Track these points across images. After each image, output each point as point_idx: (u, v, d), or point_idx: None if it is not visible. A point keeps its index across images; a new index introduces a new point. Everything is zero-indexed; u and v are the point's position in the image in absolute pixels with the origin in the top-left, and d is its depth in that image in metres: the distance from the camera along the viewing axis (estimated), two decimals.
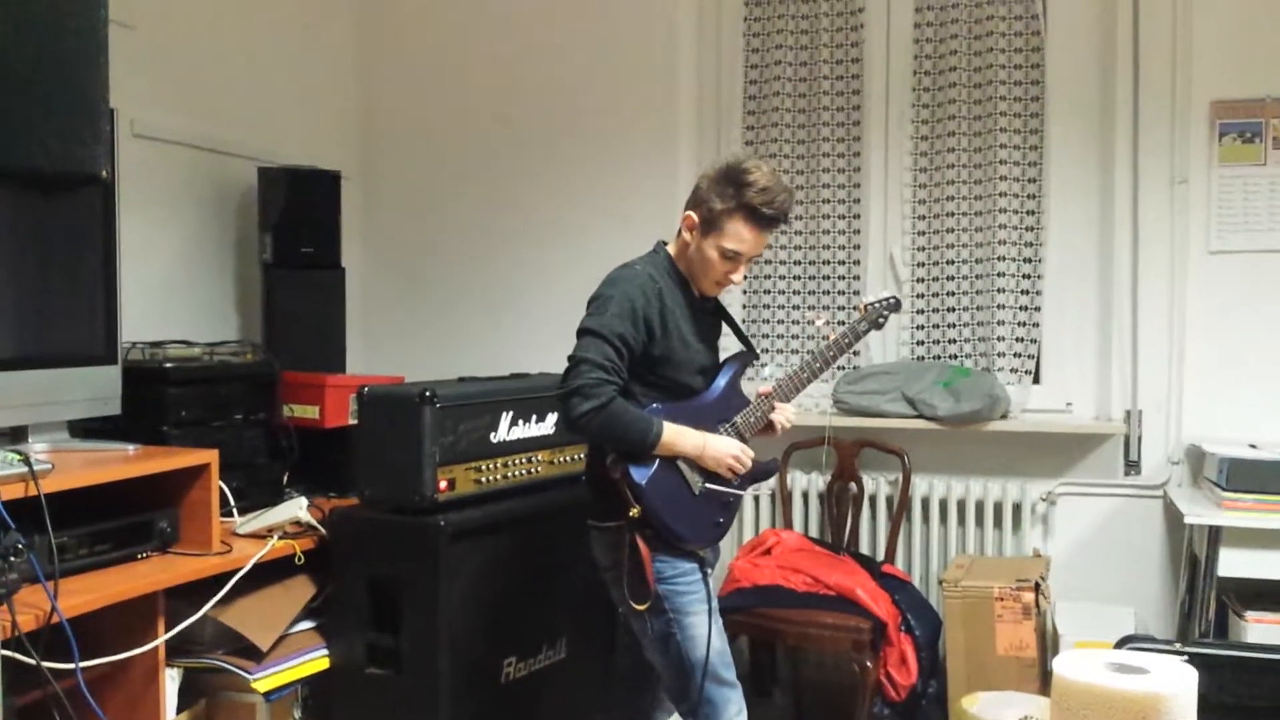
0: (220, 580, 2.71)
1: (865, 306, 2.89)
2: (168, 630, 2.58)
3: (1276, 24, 3.61)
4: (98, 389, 2.85)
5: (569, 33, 4.26)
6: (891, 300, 2.91)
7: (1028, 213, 3.88)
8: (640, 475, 2.52)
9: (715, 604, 2.62)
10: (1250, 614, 3.22)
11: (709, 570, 2.66)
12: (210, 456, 2.79)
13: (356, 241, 4.44)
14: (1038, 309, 3.86)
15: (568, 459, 3.31)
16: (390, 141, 4.53)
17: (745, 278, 2.79)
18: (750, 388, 2.78)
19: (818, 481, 3.98)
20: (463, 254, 4.42)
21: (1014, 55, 3.86)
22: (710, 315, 2.79)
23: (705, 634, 2.56)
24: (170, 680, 2.64)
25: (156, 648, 2.56)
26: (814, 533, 3.98)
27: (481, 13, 4.38)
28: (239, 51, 3.92)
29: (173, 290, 3.66)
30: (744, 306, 4.19)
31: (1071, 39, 3.85)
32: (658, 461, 2.54)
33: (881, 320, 2.90)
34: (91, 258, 2.89)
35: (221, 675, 2.78)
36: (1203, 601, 3.26)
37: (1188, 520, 3.25)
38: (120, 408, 2.89)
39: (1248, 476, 3.21)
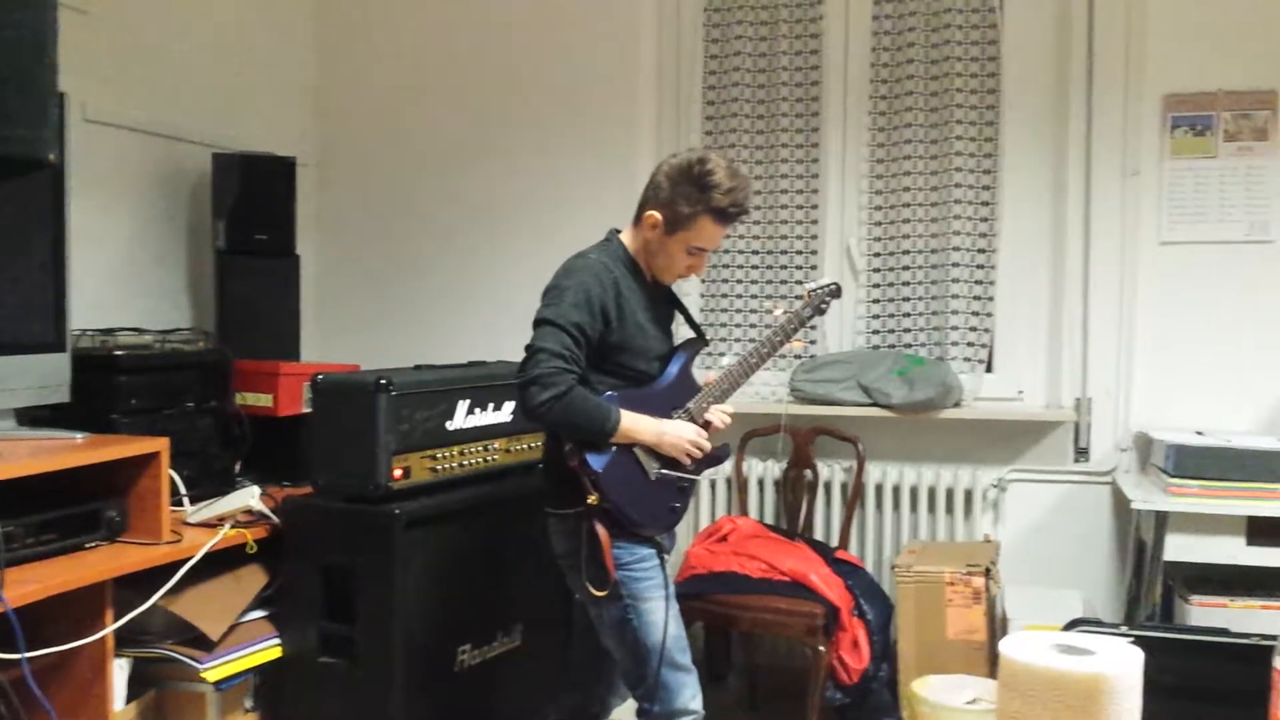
0: (170, 569, 2.68)
1: (809, 293, 2.91)
2: (116, 620, 2.55)
3: (1228, 18, 3.66)
4: (46, 376, 2.81)
5: (529, 24, 4.25)
6: (833, 286, 2.93)
7: (982, 204, 3.92)
8: (597, 463, 2.53)
9: (672, 589, 2.63)
10: (1195, 598, 3.28)
11: (666, 556, 2.68)
12: (160, 445, 2.76)
13: (312, 229, 4.40)
14: (990, 299, 3.91)
15: (524, 447, 3.31)
16: (347, 129, 4.50)
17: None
18: (703, 376, 2.79)
19: (773, 469, 4.01)
20: (419, 242, 4.40)
21: (970, 48, 3.89)
22: (664, 301, 2.80)
23: (662, 619, 2.58)
24: (119, 670, 2.61)
25: (105, 638, 2.53)
26: (769, 519, 4.00)
27: (440, 3, 4.36)
28: (194, 36, 3.88)
29: (124, 277, 3.61)
30: (702, 296, 4.21)
31: (1027, 33, 3.89)
32: (614, 448, 2.55)
33: (824, 306, 2.92)
34: (41, 243, 2.85)
35: (171, 665, 2.76)
36: (1149, 586, 3.32)
37: (1135, 506, 3.30)
38: (69, 395, 2.85)
39: (1194, 463, 3.26)
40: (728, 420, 2.76)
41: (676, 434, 2.61)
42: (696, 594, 3.49)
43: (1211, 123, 3.71)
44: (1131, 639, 2.22)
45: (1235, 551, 3.22)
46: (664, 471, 2.62)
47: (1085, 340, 3.80)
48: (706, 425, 2.72)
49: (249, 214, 3.75)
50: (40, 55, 2.49)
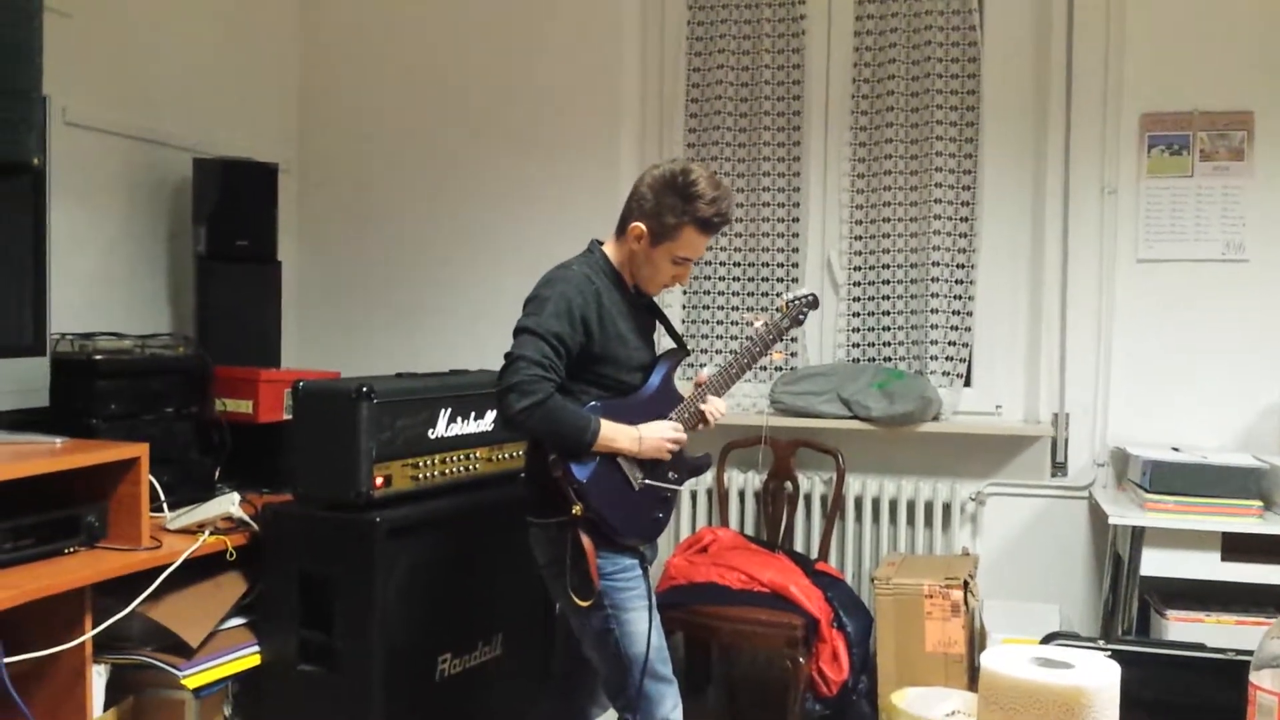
0: (150, 576, 2.67)
1: (786, 304, 2.92)
2: (95, 626, 2.54)
3: (1205, 39, 3.71)
4: (25, 380, 2.79)
5: (513, 32, 4.25)
6: (809, 297, 2.94)
7: (961, 219, 3.95)
8: (581, 473, 2.53)
9: (654, 599, 2.63)
10: (1171, 612, 3.30)
11: (648, 566, 2.68)
12: (140, 450, 2.75)
13: (293, 235, 4.39)
14: (970, 313, 3.94)
15: (506, 456, 3.31)
16: (329, 135, 4.49)
17: None
18: (685, 386, 2.80)
19: (754, 480, 4.02)
20: (401, 249, 4.40)
21: (951, 65, 3.93)
22: (645, 311, 2.81)
23: (644, 630, 2.58)
24: (98, 676, 2.59)
25: (83, 644, 2.51)
26: (749, 531, 4.01)
27: (426, 9, 4.36)
28: (176, 40, 3.87)
29: (104, 282, 3.59)
30: (684, 307, 4.22)
31: (1007, 51, 3.92)
32: (598, 458, 2.55)
33: (801, 316, 2.93)
34: (21, 247, 2.84)
35: (150, 672, 2.74)
36: (1125, 600, 3.34)
37: (1112, 521, 3.32)
38: (49, 400, 2.83)
39: (1170, 479, 3.29)
40: (724, 412, 2.77)
41: (654, 434, 2.62)
42: (676, 604, 3.49)
43: (1188, 142, 3.75)
44: (1109, 653, 2.24)
45: (1210, 567, 3.25)
46: (648, 482, 2.63)
47: (1063, 356, 3.83)
48: (701, 419, 2.73)
49: (230, 219, 3.73)
50: (27, 59, 2.48)
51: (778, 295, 4.10)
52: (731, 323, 4.18)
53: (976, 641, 3.50)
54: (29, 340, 2.83)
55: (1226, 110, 3.71)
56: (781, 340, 2.90)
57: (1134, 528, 3.29)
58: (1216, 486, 3.25)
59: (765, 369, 4.10)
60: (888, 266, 4.01)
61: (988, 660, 1.98)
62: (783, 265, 4.14)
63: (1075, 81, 3.80)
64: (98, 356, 3.05)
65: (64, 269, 3.10)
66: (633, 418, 2.62)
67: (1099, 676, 1.91)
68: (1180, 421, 3.71)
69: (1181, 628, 3.25)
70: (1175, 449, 3.51)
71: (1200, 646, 2.82)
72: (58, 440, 2.73)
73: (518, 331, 2.54)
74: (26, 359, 2.81)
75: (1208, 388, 3.71)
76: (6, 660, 2.25)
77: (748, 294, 4.17)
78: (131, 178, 3.70)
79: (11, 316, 2.83)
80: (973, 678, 3.32)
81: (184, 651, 2.75)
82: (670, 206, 2.59)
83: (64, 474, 2.58)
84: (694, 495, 4.08)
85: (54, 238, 2.89)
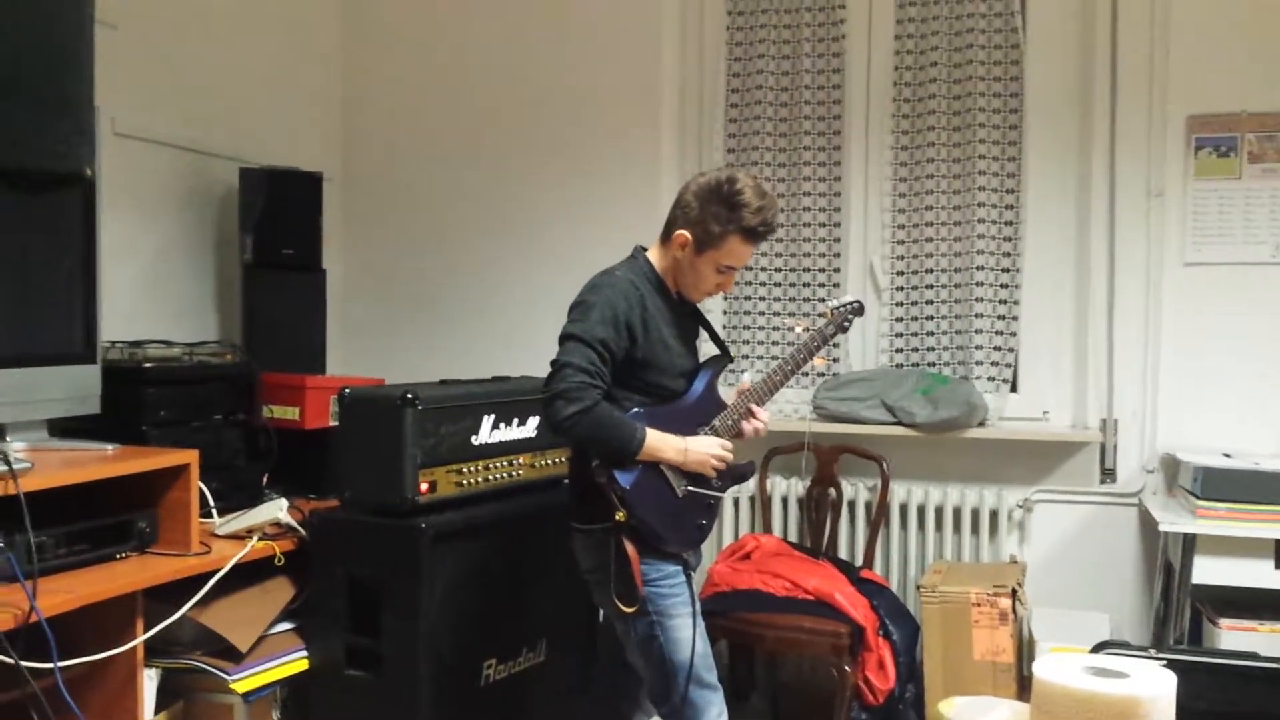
0: (199, 581, 2.70)
1: (831, 311, 2.91)
2: (146, 631, 2.57)
3: (1252, 39, 3.66)
4: (77, 388, 2.83)
5: (554, 40, 4.27)
6: (855, 304, 2.92)
7: (1005, 223, 3.92)
8: (625, 479, 2.53)
9: (698, 606, 2.63)
10: (1224, 621, 3.25)
11: (692, 572, 2.67)
12: (190, 457, 2.78)
13: (337, 243, 4.42)
14: (1015, 318, 3.90)
15: (549, 462, 3.32)
16: (373, 144, 4.53)
17: None
18: (727, 392, 2.80)
19: (797, 487, 4.00)
20: (444, 257, 4.42)
21: (993, 68, 3.90)
22: (689, 318, 2.81)
23: (689, 636, 2.57)
24: (148, 680, 2.62)
25: (135, 648, 2.54)
26: (793, 537, 3.99)
27: (467, 18, 4.39)
28: (222, 51, 3.91)
29: (153, 290, 3.64)
30: (725, 313, 4.21)
31: (1050, 52, 3.89)
32: (641, 465, 2.55)
33: (846, 324, 2.92)
34: (72, 256, 2.87)
35: (200, 676, 2.77)
36: (1177, 608, 3.30)
37: (1162, 528, 3.28)
38: (99, 407, 2.87)
39: (1221, 485, 3.24)
40: (766, 426, 2.76)
41: (700, 449, 2.61)
42: (720, 611, 3.48)
43: (1236, 144, 3.71)
44: (1163, 662, 2.21)
45: (1264, 574, 3.21)
46: (691, 489, 2.62)
47: (1110, 361, 3.79)
48: (739, 434, 2.72)
49: (276, 228, 3.77)
50: (79, 71, 2.53)
51: (820, 301, 4.09)
52: (774, 328, 4.17)
53: (1025, 650, 3.47)
54: (80, 348, 2.87)
55: (1275, 111, 3.66)
56: (825, 347, 2.89)
57: (1185, 535, 3.24)
58: (1269, 493, 3.20)
59: (807, 374, 4.08)
60: (931, 271, 3.98)
61: (1041, 668, 1.97)
62: (824, 271, 4.12)
63: (1120, 83, 3.76)
64: (147, 364, 3.08)
65: (113, 277, 3.15)
66: (676, 424, 2.62)
67: (1155, 686, 1.89)
68: (1231, 427, 3.66)
69: (1235, 637, 3.20)
70: (1226, 455, 3.46)
71: (1254, 655, 2.77)
72: (109, 447, 2.77)
73: (564, 338, 2.54)
74: (78, 367, 2.85)
75: (1259, 392, 3.65)
76: (61, 664, 2.28)
77: (789, 299, 4.16)
78: (179, 187, 3.75)
79: (63, 325, 2.87)
80: (1021, 687, 3.29)
81: (233, 656, 2.78)
82: (715, 215, 2.59)
83: (115, 480, 2.62)
84: (737, 502, 4.07)
85: (104, 247, 2.93)
